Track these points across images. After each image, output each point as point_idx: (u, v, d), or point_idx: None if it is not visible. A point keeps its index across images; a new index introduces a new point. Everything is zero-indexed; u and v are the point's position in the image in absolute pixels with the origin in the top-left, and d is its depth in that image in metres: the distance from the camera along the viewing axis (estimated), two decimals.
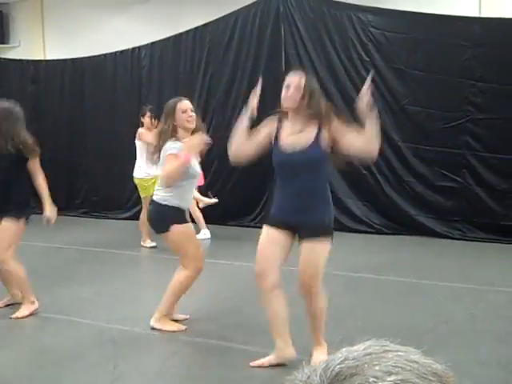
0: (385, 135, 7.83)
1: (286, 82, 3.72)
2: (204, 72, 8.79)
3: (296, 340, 3.80)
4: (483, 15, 7.73)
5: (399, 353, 0.62)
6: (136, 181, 7.59)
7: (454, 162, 7.47)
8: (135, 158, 7.63)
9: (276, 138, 3.72)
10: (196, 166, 4.49)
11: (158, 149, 4.44)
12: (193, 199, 6.02)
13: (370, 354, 0.61)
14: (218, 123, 8.21)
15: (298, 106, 3.65)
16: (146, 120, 7.38)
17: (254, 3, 8.41)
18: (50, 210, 4.95)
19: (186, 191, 4.48)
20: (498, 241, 7.13)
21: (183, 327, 4.53)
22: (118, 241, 8.01)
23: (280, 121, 3.75)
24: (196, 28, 8.85)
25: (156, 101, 8.29)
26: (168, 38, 9.08)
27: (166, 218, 4.37)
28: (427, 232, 7.57)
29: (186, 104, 4.52)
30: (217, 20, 8.65)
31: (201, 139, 4.34)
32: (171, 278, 4.51)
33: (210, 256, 6.95)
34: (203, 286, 5.88)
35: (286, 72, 4.14)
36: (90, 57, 9.89)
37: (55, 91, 10.22)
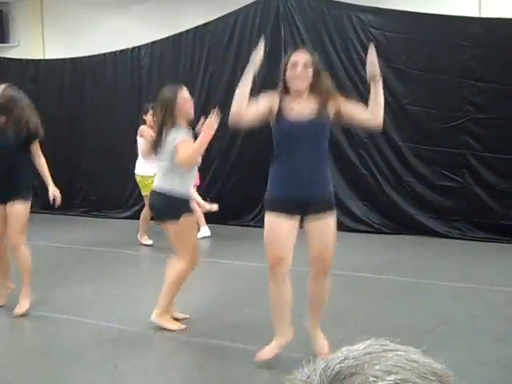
0: (385, 135, 7.87)
1: (292, 60, 3.66)
2: (204, 72, 8.79)
3: (296, 338, 3.80)
4: (483, 15, 7.72)
5: (399, 352, 0.62)
6: (137, 178, 7.60)
7: (454, 161, 7.47)
8: (135, 158, 7.63)
9: (279, 109, 3.66)
10: None
11: (159, 140, 4.40)
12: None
13: (369, 353, 0.61)
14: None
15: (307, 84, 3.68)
16: (149, 117, 7.37)
17: (253, 3, 8.41)
18: (54, 188, 5.04)
19: (190, 179, 4.54)
20: (498, 240, 7.13)
21: (183, 326, 4.53)
22: (117, 240, 8.01)
23: (280, 95, 3.71)
24: (196, 28, 8.85)
25: (156, 100, 8.28)
26: (168, 38, 9.08)
27: (176, 207, 4.40)
28: (427, 232, 7.57)
29: (186, 92, 4.55)
30: (217, 20, 8.65)
31: (215, 119, 4.28)
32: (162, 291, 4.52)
33: (210, 255, 6.96)
34: (203, 285, 5.89)
35: None
36: (89, 56, 9.88)
37: (55, 91, 10.22)
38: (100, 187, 9.92)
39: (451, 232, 7.51)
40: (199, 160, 4.59)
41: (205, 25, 8.76)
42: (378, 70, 3.67)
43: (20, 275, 4.98)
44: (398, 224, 7.78)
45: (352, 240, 7.30)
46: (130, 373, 3.84)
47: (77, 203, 10.14)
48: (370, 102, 3.70)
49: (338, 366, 0.60)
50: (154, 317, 4.48)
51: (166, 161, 4.40)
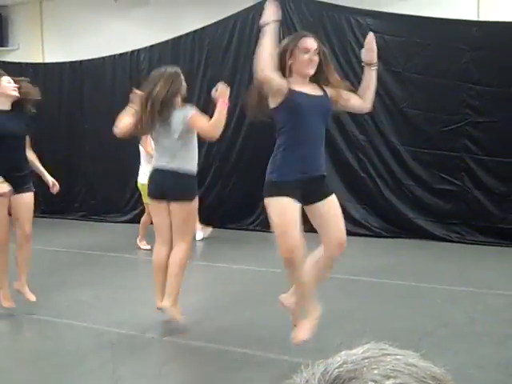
0: (383, 138, 7.89)
1: (303, 46, 3.65)
2: (203, 75, 8.80)
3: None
4: (481, 19, 7.73)
5: (398, 356, 0.62)
6: (140, 186, 7.57)
7: (453, 165, 7.48)
8: (134, 161, 7.62)
9: (289, 88, 3.64)
10: None
11: (163, 119, 4.38)
12: None
13: (368, 357, 0.61)
14: None
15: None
16: None
17: (252, 6, 8.42)
18: (50, 177, 5.14)
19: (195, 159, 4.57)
20: (497, 244, 7.13)
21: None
22: (116, 244, 8.01)
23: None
24: (195, 31, 8.86)
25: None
26: (167, 41, 9.09)
27: (192, 187, 4.51)
28: (426, 235, 7.57)
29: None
30: (216, 23, 8.66)
31: (225, 86, 4.36)
32: (169, 279, 4.51)
33: (209, 259, 6.96)
34: (202, 289, 5.90)
35: None
36: (88, 60, 9.89)
37: (54, 94, 10.21)
38: (99, 191, 9.92)
39: (450, 235, 7.51)
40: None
41: (203, 28, 8.78)
42: (376, 57, 3.79)
43: (19, 266, 4.99)
44: (397, 227, 7.78)
45: (351, 243, 7.21)
46: (129, 377, 3.83)
47: (76, 207, 10.14)
48: (363, 87, 3.83)
49: (336, 370, 0.60)
50: (169, 307, 4.44)
51: (180, 140, 4.41)
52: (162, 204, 4.49)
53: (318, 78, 3.74)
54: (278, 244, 3.65)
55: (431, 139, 7.57)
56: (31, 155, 5.06)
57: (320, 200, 3.70)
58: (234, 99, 8.57)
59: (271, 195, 3.63)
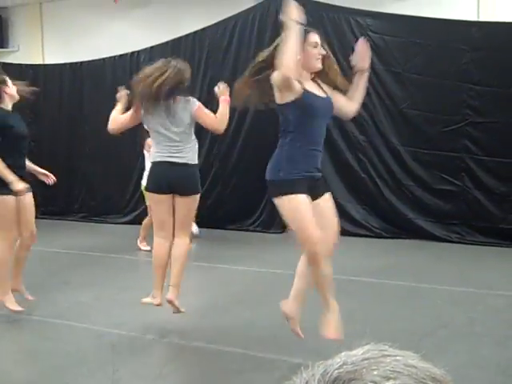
0: (384, 139, 7.89)
1: (312, 40, 3.63)
2: (203, 75, 8.80)
3: (295, 343, 3.80)
4: (481, 19, 7.74)
5: (397, 357, 0.62)
6: (144, 189, 7.56)
7: (453, 165, 7.48)
8: (134, 163, 7.63)
9: (304, 89, 3.63)
10: None
11: (167, 104, 4.43)
12: None
13: (368, 358, 0.61)
14: None
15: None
16: None
17: (252, 7, 8.43)
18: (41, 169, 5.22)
19: None
20: (497, 244, 7.13)
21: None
22: (116, 245, 8.00)
23: None
24: (195, 32, 8.86)
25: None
26: (167, 42, 9.09)
27: (199, 178, 4.59)
28: (426, 236, 7.57)
29: None
30: (216, 24, 8.67)
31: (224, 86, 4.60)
32: (169, 281, 4.51)
33: (209, 259, 6.95)
34: (202, 289, 5.89)
35: None
36: (88, 61, 9.89)
37: (54, 95, 10.22)
38: (99, 192, 9.92)
39: (450, 236, 7.51)
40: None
41: (204, 29, 8.78)
42: (368, 62, 3.84)
43: (19, 266, 5.00)
44: (397, 228, 7.78)
45: (351, 244, 7.29)
46: (129, 378, 3.83)
47: (76, 208, 10.14)
48: (353, 91, 3.84)
49: (336, 371, 0.60)
50: (176, 299, 4.48)
51: (186, 132, 4.47)
52: (167, 198, 4.49)
53: (321, 75, 3.76)
54: (302, 240, 3.62)
55: (431, 140, 7.57)
56: None
57: (321, 197, 3.73)
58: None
59: (285, 193, 3.58)
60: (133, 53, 9.46)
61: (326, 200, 3.78)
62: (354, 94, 3.85)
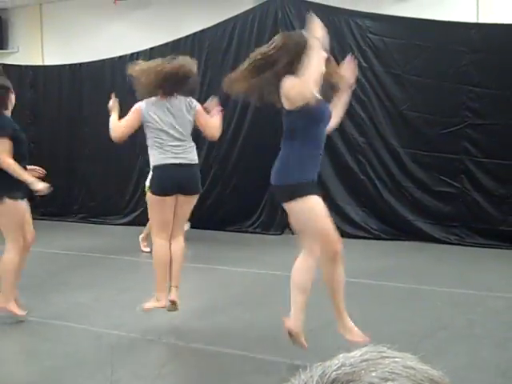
0: (383, 141, 7.89)
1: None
2: (202, 77, 8.79)
3: (294, 345, 3.79)
4: (481, 21, 7.74)
5: (396, 359, 0.62)
6: (147, 190, 7.55)
7: (452, 167, 7.48)
8: (133, 164, 7.63)
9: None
10: None
11: (170, 101, 4.53)
12: None
13: (366, 360, 0.61)
14: None
15: None
16: None
17: (252, 9, 8.43)
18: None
19: None
20: (497, 246, 7.12)
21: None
22: (116, 246, 8.00)
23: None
24: (194, 33, 8.86)
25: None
26: (166, 44, 9.08)
27: (200, 178, 4.65)
28: (425, 237, 7.57)
29: None
30: (215, 25, 8.67)
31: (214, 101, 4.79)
32: (169, 283, 4.52)
33: (208, 261, 6.95)
34: (201, 291, 5.89)
35: None
36: (88, 62, 9.89)
37: (54, 96, 10.23)
38: (99, 193, 9.92)
39: (450, 238, 7.51)
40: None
41: (203, 30, 8.78)
42: (354, 80, 3.92)
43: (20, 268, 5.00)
44: (397, 230, 7.77)
45: (350, 246, 7.25)
46: (128, 379, 3.83)
47: (75, 209, 10.14)
48: (335, 107, 3.87)
49: (334, 373, 0.60)
50: (177, 299, 4.54)
51: (188, 132, 4.54)
52: (172, 199, 4.51)
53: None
54: (325, 239, 3.68)
55: (431, 141, 7.57)
56: None
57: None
58: (233, 102, 8.61)
59: (299, 196, 3.58)
60: (132, 54, 9.44)
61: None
62: (336, 109, 3.87)
